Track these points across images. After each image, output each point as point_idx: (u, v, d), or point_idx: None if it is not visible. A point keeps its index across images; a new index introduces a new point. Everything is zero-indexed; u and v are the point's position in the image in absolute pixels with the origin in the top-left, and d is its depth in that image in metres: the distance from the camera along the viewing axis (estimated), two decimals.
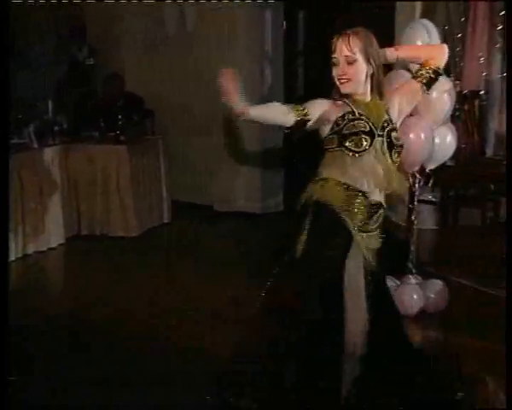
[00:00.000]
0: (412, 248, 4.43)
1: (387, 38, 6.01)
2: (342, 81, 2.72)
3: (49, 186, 5.83)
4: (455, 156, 4.81)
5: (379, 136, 2.73)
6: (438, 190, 5.93)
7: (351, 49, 2.68)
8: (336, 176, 2.72)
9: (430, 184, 4.53)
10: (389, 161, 2.75)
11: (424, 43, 4.00)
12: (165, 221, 6.74)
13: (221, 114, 7.11)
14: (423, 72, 2.86)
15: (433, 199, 6.01)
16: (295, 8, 7.22)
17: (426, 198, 5.75)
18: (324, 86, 2.92)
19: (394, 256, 4.72)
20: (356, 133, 2.69)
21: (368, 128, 2.70)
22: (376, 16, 6.38)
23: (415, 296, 4.33)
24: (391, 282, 4.43)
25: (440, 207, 6.04)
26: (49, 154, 5.88)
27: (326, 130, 2.76)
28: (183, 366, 3.57)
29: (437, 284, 4.43)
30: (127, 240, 6.10)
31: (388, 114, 2.81)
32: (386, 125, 2.76)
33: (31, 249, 5.62)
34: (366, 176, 2.70)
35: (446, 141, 4.26)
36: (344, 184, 2.71)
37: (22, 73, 6.97)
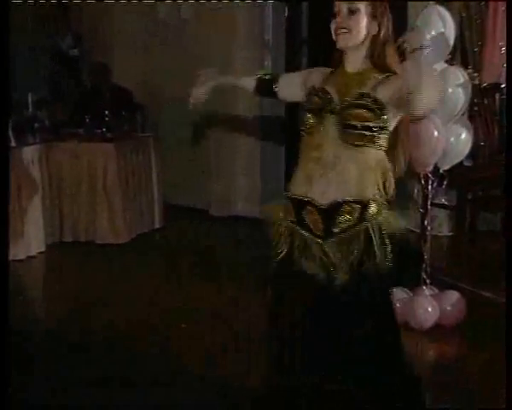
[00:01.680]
0: (426, 256, 4.44)
1: (400, 23, 6.08)
2: (340, 32, 2.56)
3: (29, 188, 5.83)
4: (472, 155, 4.83)
5: (329, 112, 2.55)
6: (453, 192, 5.93)
7: None
8: (297, 168, 2.63)
9: (444, 186, 4.53)
10: (345, 146, 2.52)
11: (438, 31, 4.01)
12: (157, 226, 6.76)
13: (219, 110, 7.16)
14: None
15: (448, 203, 6.01)
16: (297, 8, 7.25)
17: (440, 202, 5.75)
18: None
19: (406, 266, 4.74)
20: (307, 111, 2.60)
21: (319, 105, 2.56)
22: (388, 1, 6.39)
23: (429, 309, 4.34)
24: (403, 293, 4.46)
25: (457, 211, 6.04)
26: (29, 153, 5.90)
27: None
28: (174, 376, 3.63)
29: (453, 296, 4.44)
30: (115, 247, 6.11)
31: (375, 89, 2.54)
32: (351, 100, 2.54)
33: (8, 258, 5.62)
34: (313, 163, 2.55)
35: (461, 139, 4.28)
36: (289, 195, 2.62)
37: None
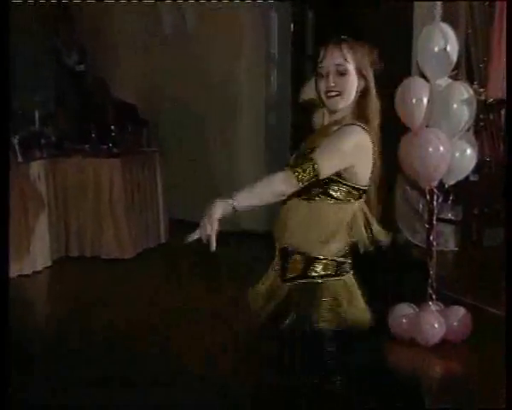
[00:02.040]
0: (432, 271, 4.44)
1: (404, 40, 6.10)
2: (330, 95, 2.46)
3: (35, 203, 5.86)
4: (478, 170, 4.82)
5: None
6: (459, 207, 5.93)
7: (343, 56, 2.45)
8: None
9: (450, 202, 4.54)
10: (302, 201, 2.47)
11: (440, 49, 4.03)
12: (162, 241, 6.76)
13: (224, 124, 7.18)
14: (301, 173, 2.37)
15: (454, 218, 6.01)
16: (304, 9, 7.28)
17: (446, 217, 5.75)
18: None
19: (412, 281, 4.74)
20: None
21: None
22: (393, 17, 6.42)
23: (435, 325, 4.34)
24: (409, 309, 4.45)
25: (462, 226, 6.04)
26: (36, 168, 5.93)
27: None
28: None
29: (459, 311, 4.43)
30: (121, 262, 6.12)
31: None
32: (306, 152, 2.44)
33: (14, 273, 5.64)
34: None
35: (466, 154, 4.28)
36: None
37: None
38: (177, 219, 6.94)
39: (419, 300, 4.48)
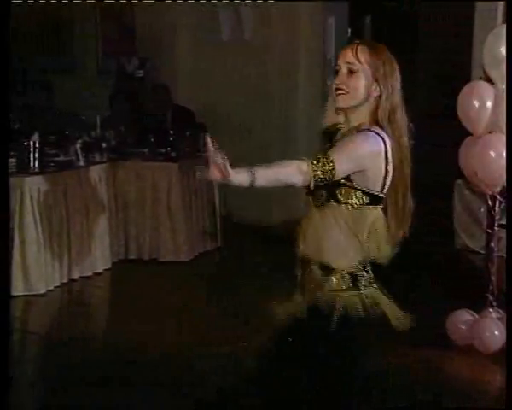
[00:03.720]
0: (492, 278, 4.37)
1: (465, 45, 6.03)
2: (339, 93, 2.50)
3: (96, 206, 5.98)
4: None
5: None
6: None
7: (356, 57, 2.48)
8: None
9: None
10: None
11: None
12: (219, 245, 6.80)
13: (280, 130, 7.20)
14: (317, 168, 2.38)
15: None
16: (361, 14, 7.26)
17: None
18: None
19: (472, 287, 4.67)
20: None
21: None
22: (453, 20, 6.35)
23: (496, 332, 4.27)
24: (468, 315, 4.39)
25: None
26: (96, 172, 6.04)
27: None
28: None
29: None
30: (178, 264, 6.18)
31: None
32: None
33: (76, 274, 5.76)
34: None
35: None
36: None
37: (68, 86, 7.21)
38: (234, 223, 6.98)
39: (477, 306, 4.42)
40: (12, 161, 5.37)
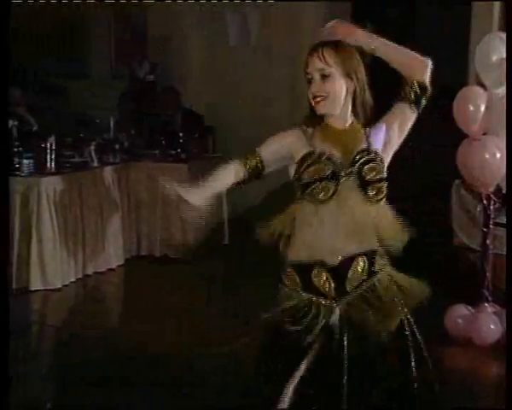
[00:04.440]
0: (488, 274, 4.39)
1: (461, 50, 6.04)
2: (317, 100, 2.43)
3: (109, 205, 6.03)
4: None
5: (346, 175, 2.41)
6: None
7: (325, 61, 2.42)
8: (297, 235, 2.46)
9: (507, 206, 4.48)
10: (368, 202, 2.41)
11: (499, 58, 3.99)
12: (226, 243, 6.84)
13: (287, 129, 7.19)
14: (407, 89, 2.47)
15: None
16: (363, 20, 7.26)
17: (502, 221, 5.67)
18: None
19: (469, 283, 4.69)
20: (314, 181, 2.40)
21: (329, 172, 2.39)
22: (450, 27, 6.36)
23: (492, 326, 4.30)
24: (465, 310, 4.42)
25: None
26: (110, 172, 6.09)
27: (292, 171, 2.51)
28: None
29: None
30: (187, 261, 6.22)
31: (369, 142, 2.47)
32: (359, 157, 2.43)
33: (90, 270, 5.81)
34: (336, 228, 2.40)
35: None
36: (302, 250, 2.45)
37: (83, 90, 7.26)
38: (239, 220, 7.00)
39: (474, 301, 4.44)
40: (30, 162, 5.44)
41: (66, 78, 7.63)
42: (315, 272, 2.44)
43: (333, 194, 2.39)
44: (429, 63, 2.51)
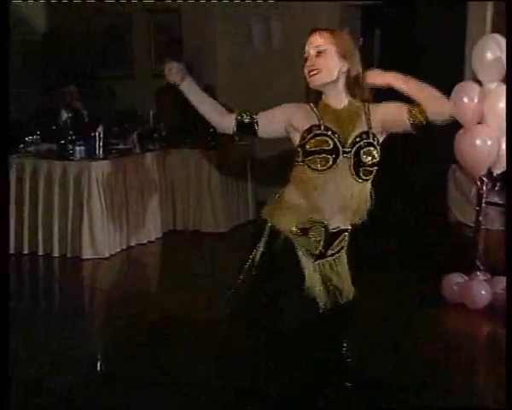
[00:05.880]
0: (480, 246, 4.40)
1: (458, 50, 5.99)
2: (311, 74, 2.41)
3: (149, 186, 6.10)
4: None
5: (345, 153, 2.37)
6: (505, 193, 5.79)
7: (321, 40, 2.41)
8: (296, 195, 2.44)
9: (497, 188, 4.47)
10: (356, 182, 2.39)
11: (495, 55, 3.96)
12: (251, 218, 6.89)
13: None
14: (417, 113, 2.34)
15: (501, 202, 5.88)
16: (371, 25, 7.22)
17: (493, 200, 5.65)
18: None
19: (463, 254, 4.70)
20: (318, 152, 2.36)
21: (331, 145, 2.36)
22: (447, 30, 6.29)
23: (482, 292, 4.31)
24: (460, 278, 4.43)
25: (507, 209, 5.90)
26: (150, 158, 6.16)
27: (296, 140, 2.45)
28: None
29: (503, 280, 4.37)
30: (217, 235, 6.28)
31: (369, 124, 2.41)
32: (358, 139, 2.39)
33: (133, 242, 5.90)
34: (327, 198, 2.39)
35: None
36: (299, 208, 2.43)
37: (128, 88, 7.33)
38: (261, 201, 7.03)
39: (468, 270, 4.45)
40: (82, 148, 5.52)
41: (113, 78, 7.76)
42: (314, 229, 2.45)
43: (329, 167, 2.37)
44: (451, 108, 2.42)
